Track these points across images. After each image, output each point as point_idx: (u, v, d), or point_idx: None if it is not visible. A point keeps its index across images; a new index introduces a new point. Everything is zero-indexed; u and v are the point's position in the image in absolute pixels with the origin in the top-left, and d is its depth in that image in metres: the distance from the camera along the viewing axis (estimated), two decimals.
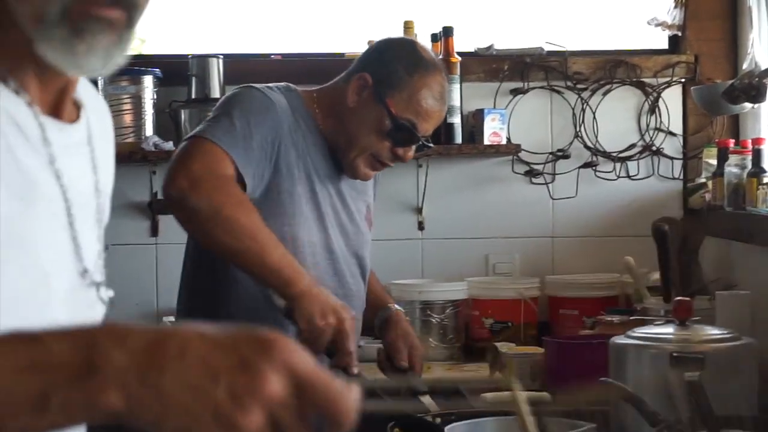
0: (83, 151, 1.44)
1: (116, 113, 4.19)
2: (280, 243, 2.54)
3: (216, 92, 4.21)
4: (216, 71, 4.24)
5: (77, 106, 1.45)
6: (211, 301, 2.77)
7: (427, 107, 2.75)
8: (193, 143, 2.57)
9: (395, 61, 2.77)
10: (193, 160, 2.52)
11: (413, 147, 2.78)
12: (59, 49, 1.28)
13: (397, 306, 3.06)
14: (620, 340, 2.45)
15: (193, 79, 4.23)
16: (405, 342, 2.92)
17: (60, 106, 1.40)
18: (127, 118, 4.20)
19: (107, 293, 1.45)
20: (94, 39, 1.28)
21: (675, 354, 2.27)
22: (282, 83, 2.82)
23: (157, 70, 4.25)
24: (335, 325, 2.50)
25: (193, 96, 4.23)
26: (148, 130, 4.21)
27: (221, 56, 4.27)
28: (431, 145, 2.87)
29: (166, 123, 4.23)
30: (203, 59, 4.24)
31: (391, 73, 2.76)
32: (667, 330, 2.44)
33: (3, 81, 1.31)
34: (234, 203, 2.50)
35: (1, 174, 1.26)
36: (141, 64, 4.28)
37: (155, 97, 4.24)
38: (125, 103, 4.20)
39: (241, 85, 2.77)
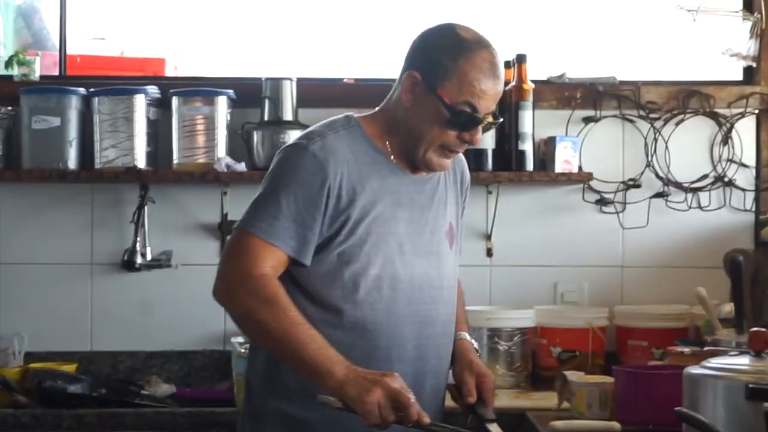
0: None
1: (189, 134, 4.23)
2: (315, 337, 2.56)
3: (288, 115, 4.23)
4: (289, 94, 4.27)
5: None
6: None
7: (481, 86, 2.70)
8: (236, 239, 2.65)
9: (438, 51, 2.72)
10: (232, 263, 2.63)
11: (479, 129, 2.74)
12: None
13: (465, 335, 2.96)
14: (695, 370, 2.43)
15: (267, 101, 4.26)
16: (471, 372, 2.82)
17: None
18: (200, 139, 4.24)
19: None
20: None
21: (751, 385, 2.25)
22: (342, 115, 2.82)
23: (231, 91, 4.28)
24: (384, 392, 2.49)
25: (266, 118, 4.26)
26: (221, 150, 4.24)
27: (294, 79, 4.29)
28: (500, 119, 2.81)
29: (239, 144, 4.25)
30: (276, 81, 4.27)
31: (436, 64, 2.71)
32: (743, 361, 2.42)
33: None
34: (265, 306, 2.57)
35: None
36: (215, 85, 4.32)
37: (229, 118, 4.28)
38: (198, 124, 4.23)
39: (294, 142, 2.75)
